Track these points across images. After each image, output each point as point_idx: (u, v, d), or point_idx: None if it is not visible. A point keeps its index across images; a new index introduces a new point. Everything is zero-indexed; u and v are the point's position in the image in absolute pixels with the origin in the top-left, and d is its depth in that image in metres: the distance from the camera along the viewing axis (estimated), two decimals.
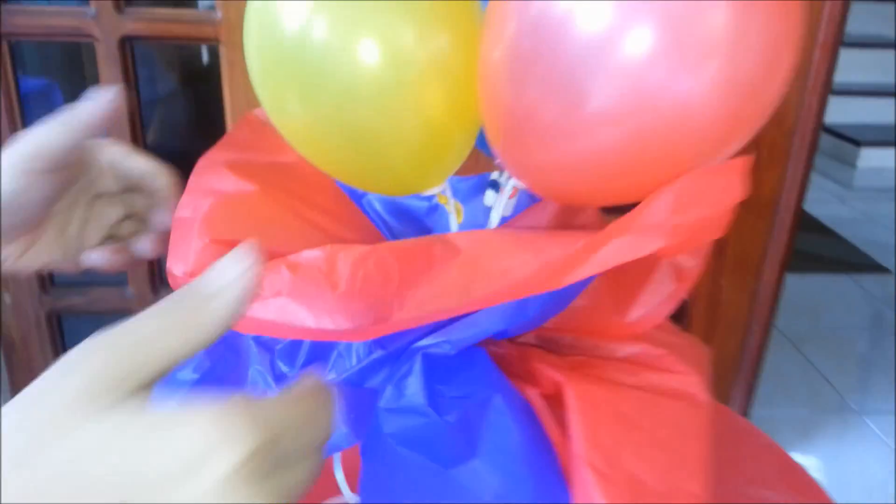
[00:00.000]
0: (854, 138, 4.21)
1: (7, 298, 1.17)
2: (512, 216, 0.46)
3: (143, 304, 1.06)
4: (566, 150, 0.35)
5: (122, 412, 0.24)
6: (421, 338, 0.38)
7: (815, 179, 4.00)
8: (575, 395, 0.36)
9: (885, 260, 2.94)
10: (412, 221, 0.46)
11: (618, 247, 0.31)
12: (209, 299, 0.25)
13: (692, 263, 0.44)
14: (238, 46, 1.07)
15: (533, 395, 0.39)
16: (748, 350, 1.47)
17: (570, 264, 0.32)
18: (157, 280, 1.17)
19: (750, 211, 1.34)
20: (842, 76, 4.71)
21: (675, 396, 0.39)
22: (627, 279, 0.44)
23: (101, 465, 0.23)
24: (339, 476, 0.46)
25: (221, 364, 0.44)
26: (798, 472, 0.66)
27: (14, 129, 1.10)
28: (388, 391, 0.39)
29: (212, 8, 1.07)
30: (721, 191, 0.33)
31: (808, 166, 1.31)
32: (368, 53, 0.34)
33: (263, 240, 0.37)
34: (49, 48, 1.39)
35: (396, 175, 0.40)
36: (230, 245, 0.35)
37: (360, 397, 0.40)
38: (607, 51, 0.31)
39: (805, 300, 2.60)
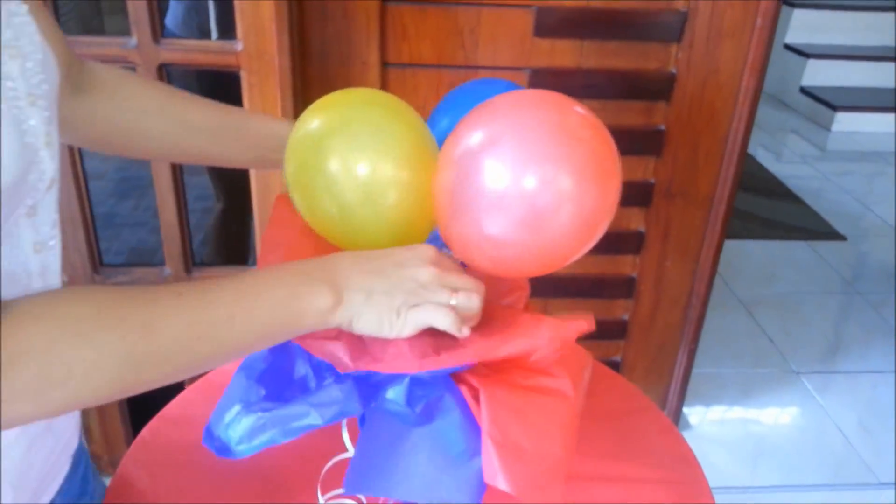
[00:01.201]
0: (830, 102, 4.37)
1: (64, 277, 1.40)
2: None
3: (178, 282, 1.30)
4: (480, 242, 0.58)
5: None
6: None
7: (791, 141, 4.20)
8: (485, 395, 0.60)
9: (843, 227, 3.16)
10: None
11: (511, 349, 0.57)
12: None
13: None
14: (255, 72, 1.28)
15: (464, 391, 0.62)
16: (689, 320, 1.72)
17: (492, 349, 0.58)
18: (190, 262, 1.41)
19: (689, 204, 1.57)
20: (822, 38, 4.85)
21: (551, 394, 0.63)
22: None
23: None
24: (345, 436, 0.70)
25: (280, 356, 0.67)
26: (680, 447, 0.89)
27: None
28: (384, 392, 0.63)
29: (233, 39, 1.27)
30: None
31: (741, 165, 1.53)
32: (360, 177, 0.58)
33: None
34: None
35: (387, 246, 0.64)
36: None
37: (366, 388, 0.64)
38: (503, 194, 0.55)
39: (762, 266, 2.84)
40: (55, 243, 0.60)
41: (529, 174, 0.55)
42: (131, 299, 0.50)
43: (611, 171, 0.57)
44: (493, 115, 0.58)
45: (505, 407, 0.60)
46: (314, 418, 0.61)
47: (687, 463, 0.86)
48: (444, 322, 0.58)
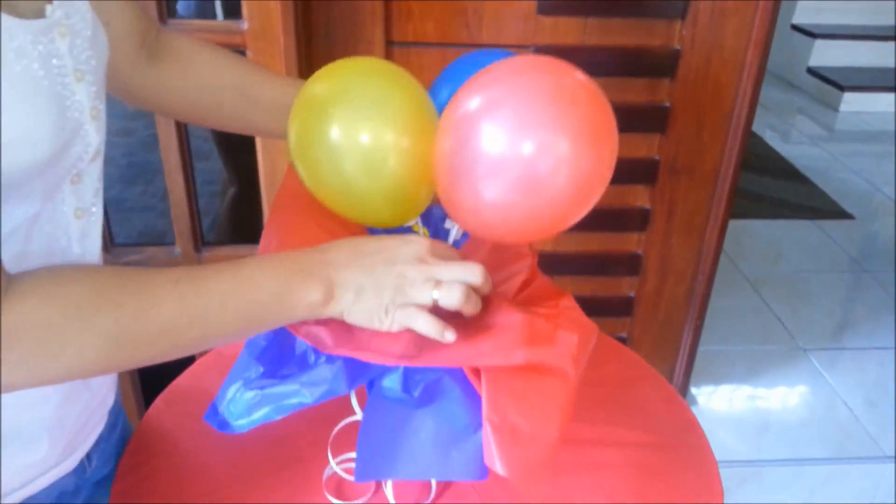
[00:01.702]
0: (838, 82, 4.35)
1: None
2: (463, 240, 0.72)
3: (187, 260, 1.33)
4: (478, 207, 0.59)
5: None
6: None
7: (798, 122, 4.18)
8: (485, 376, 0.61)
9: (851, 206, 3.16)
10: None
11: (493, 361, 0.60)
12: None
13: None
14: (261, 52, 1.29)
15: (465, 369, 0.64)
16: (695, 297, 1.73)
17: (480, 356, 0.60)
18: (199, 241, 1.43)
19: (694, 181, 1.58)
20: (829, 19, 4.81)
21: (553, 374, 0.64)
22: None
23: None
24: (353, 400, 0.72)
25: (280, 333, 0.69)
26: (684, 414, 0.90)
27: None
28: (380, 381, 0.65)
29: (239, 18, 1.28)
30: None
31: (745, 142, 1.54)
32: (361, 145, 0.59)
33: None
34: None
35: (385, 217, 0.65)
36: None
37: (355, 369, 0.66)
38: (501, 158, 0.56)
39: (769, 245, 2.85)
40: (97, 210, 0.63)
41: (526, 138, 0.56)
42: (129, 283, 0.53)
43: (607, 135, 0.58)
44: (491, 80, 0.59)
45: (505, 389, 0.62)
46: (304, 397, 0.64)
47: (690, 429, 0.88)
48: (424, 328, 0.59)
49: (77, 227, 0.60)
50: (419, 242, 0.61)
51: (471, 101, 0.58)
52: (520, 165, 0.56)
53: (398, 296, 0.59)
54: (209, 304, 0.54)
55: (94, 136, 0.58)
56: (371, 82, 0.62)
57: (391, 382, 0.66)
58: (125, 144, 3.00)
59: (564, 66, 0.59)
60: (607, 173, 0.59)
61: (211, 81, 0.76)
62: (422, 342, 0.61)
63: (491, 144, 0.56)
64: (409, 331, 0.61)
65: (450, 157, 0.59)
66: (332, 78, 0.62)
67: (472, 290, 0.60)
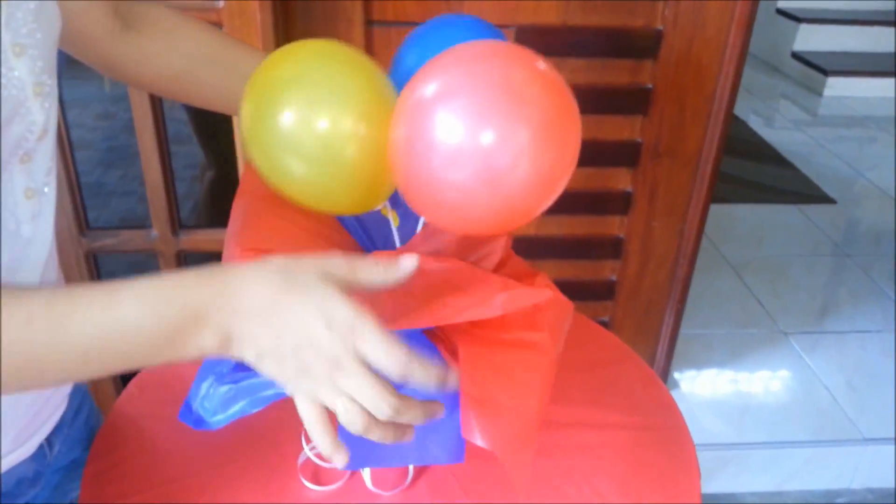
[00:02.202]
0: (822, 67, 4.36)
1: None
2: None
3: (164, 244, 1.31)
4: (437, 199, 0.57)
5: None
6: None
7: (782, 106, 4.19)
8: (463, 351, 0.60)
9: (833, 191, 3.17)
10: (370, 225, 0.70)
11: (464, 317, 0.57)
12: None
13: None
14: (237, 30, 1.27)
15: (441, 349, 0.63)
16: (676, 280, 1.73)
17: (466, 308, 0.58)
18: (176, 225, 1.40)
19: (676, 163, 1.57)
20: (814, 3, 4.81)
21: (530, 347, 0.63)
22: None
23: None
24: None
25: None
26: (662, 395, 0.90)
27: None
28: None
29: None
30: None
31: (727, 125, 1.53)
32: (317, 132, 0.56)
33: (279, 245, 0.61)
34: None
35: (345, 205, 0.63)
36: (258, 251, 0.59)
37: None
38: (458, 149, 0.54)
39: (751, 229, 2.85)
40: (49, 190, 0.60)
41: (485, 129, 0.53)
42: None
43: (569, 126, 0.56)
44: (448, 65, 0.57)
45: (482, 363, 0.61)
46: (279, 388, 0.62)
47: (667, 409, 0.87)
48: (315, 438, 0.52)
49: (27, 209, 0.57)
50: (343, 309, 0.48)
51: (426, 87, 0.56)
52: (478, 157, 0.54)
53: (300, 381, 0.50)
54: (75, 343, 0.46)
55: (38, 114, 0.55)
56: (327, 64, 0.59)
57: None
58: (105, 128, 2.97)
59: (526, 54, 0.57)
60: (570, 165, 0.58)
61: (191, 50, 0.73)
62: (398, 305, 0.59)
63: (447, 134, 0.54)
64: (376, 298, 0.59)
65: (404, 146, 0.57)
66: (286, 60, 0.59)
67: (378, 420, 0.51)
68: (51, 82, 0.56)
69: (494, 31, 0.72)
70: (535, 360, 0.63)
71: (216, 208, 1.96)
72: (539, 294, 0.61)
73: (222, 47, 0.74)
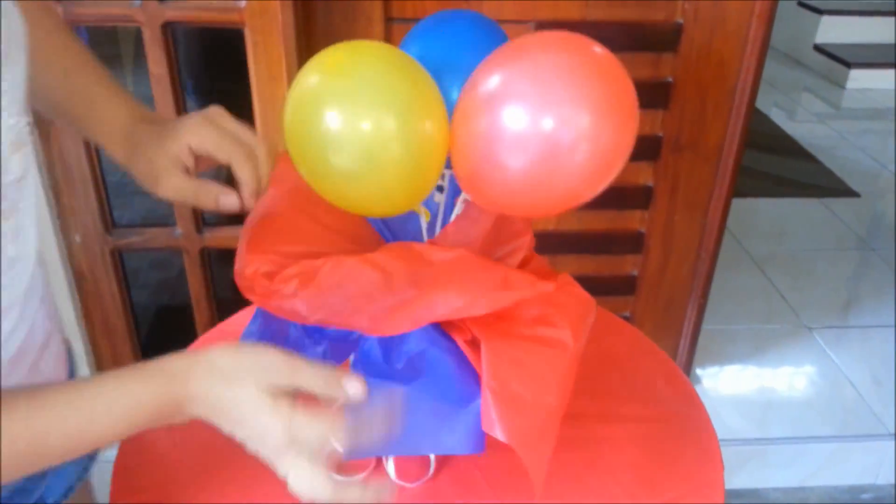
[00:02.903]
0: (844, 59, 4.31)
1: (78, 238, 1.42)
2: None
3: (189, 241, 1.33)
4: (506, 183, 0.59)
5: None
6: None
7: (805, 99, 4.15)
8: (485, 345, 0.61)
9: (856, 184, 3.13)
10: (395, 220, 0.71)
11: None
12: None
13: None
14: (259, 30, 1.28)
15: (458, 340, 0.64)
16: (699, 275, 1.72)
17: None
18: (200, 222, 1.42)
19: (698, 157, 1.56)
20: None
21: (551, 344, 0.63)
22: None
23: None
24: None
25: (271, 321, 0.68)
26: (684, 388, 0.90)
27: None
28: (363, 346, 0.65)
29: None
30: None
31: (748, 118, 1.52)
32: (365, 133, 0.57)
33: (295, 245, 0.62)
34: None
35: (390, 207, 0.64)
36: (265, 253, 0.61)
37: (343, 347, 0.66)
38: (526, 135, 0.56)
39: (774, 224, 2.83)
40: (25, 206, 0.58)
41: (548, 115, 0.55)
42: None
43: (629, 111, 0.59)
44: (511, 58, 0.58)
45: (505, 358, 0.61)
46: None
47: (691, 403, 0.87)
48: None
49: (8, 228, 0.55)
50: (280, 434, 0.52)
51: (492, 79, 0.58)
52: (542, 141, 0.56)
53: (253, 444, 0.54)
54: (54, 453, 0.51)
55: (16, 168, 0.54)
56: (371, 66, 0.59)
57: (370, 346, 0.65)
58: None
59: (585, 41, 0.59)
60: (628, 146, 0.59)
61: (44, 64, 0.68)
62: (394, 300, 0.60)
63: (518, 123, 0.56)
64: (375, 291, 0.60)
65: (475, 135, 0.59)
66: (329, 62, 0.60)
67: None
68: (24, 122, 0.55)
69: (494, 26, 0.72)
70: (557, 356, 0.63)
71: None
72: (546, 287, 0.62)
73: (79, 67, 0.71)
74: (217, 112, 0.69)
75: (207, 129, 0.67)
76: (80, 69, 0.70)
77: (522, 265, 0.73)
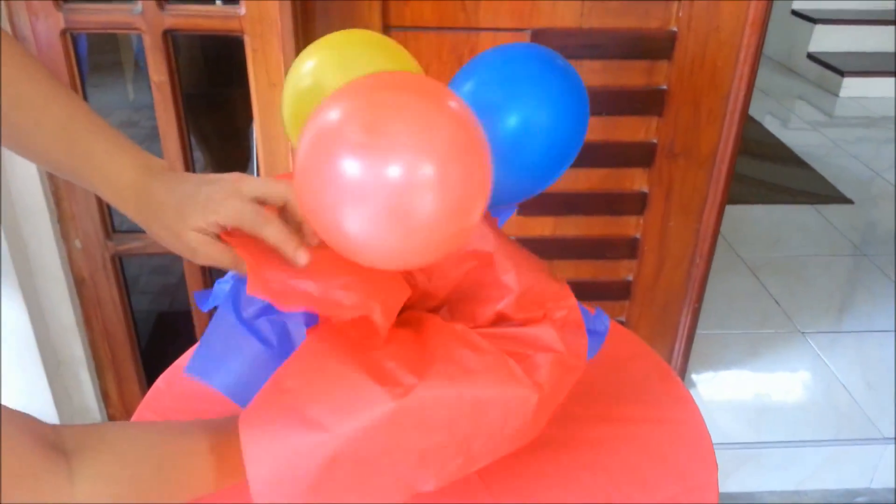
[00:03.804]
0: (838, 67, 4.34)
1: (78, 244, 1.44)
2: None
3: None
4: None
5: None
6: None
7: (798, 107, 4.17)
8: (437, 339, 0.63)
9: (850, 191, 3.15)
10: None
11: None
12: None
13: None
14: (258, 36, 1.30)
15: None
16: (693, 280, 1.74)
17: None
18: None
19: (692, 163, 1.58)
20: (829, 4, 4.79)
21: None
22: None
23: None
24: None
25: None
26: (678, 390, 0.91)
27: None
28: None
29: (236, 3, 1.29)
30: None
31: (742, 125, 1.54)
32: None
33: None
34: None
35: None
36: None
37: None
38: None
39: (768, 230, 2.85)
40: None
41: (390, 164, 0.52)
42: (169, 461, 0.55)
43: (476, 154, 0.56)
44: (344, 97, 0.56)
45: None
46: None
47: (683, 404, 0.89)
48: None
49: None
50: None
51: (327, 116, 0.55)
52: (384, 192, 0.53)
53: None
54: None
55: None
56: (371, 54, 0.60)
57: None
58: (129, 136, 3.01)
59: (432, 84, 0.58)
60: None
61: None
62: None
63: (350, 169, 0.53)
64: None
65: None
66: (327, 49, 0.61)
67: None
68: None
69: (556, 56, 0.73)
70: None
71: None
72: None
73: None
74: (240, 180, 0.64)
75: (234, 205, 0.62)
76: (75, 122, 0.65)
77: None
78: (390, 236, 0.54)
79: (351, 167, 0.52)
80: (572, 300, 0.72)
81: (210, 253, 0.64)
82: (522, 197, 0.79)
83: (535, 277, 0.72)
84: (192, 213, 0.62)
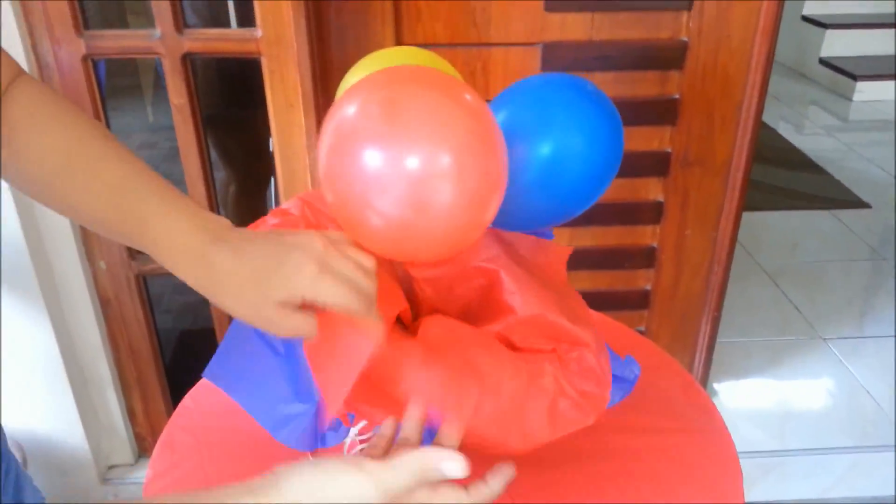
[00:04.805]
0: (850, 71, 4.32)
1: (103, 265, 1.46)
2: None
3: None
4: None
5: None
6: None
7: (812, 112, 4.16)
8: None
9: (866, 195, 3.14)
10: None
11: None
12: None
13: None
14: (275, 58, 1.32)
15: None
16: (712, 288, 1.73)
17: None
18: None
19: (707, 171, 1.59)
20: (839, 8, 4.79)
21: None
22: None
23: None
24: None
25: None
26: (701, 400, 0.91)
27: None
28: None
29: (253, 26, 1.31)
30: None
31: (756, 132, 1.54)
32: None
33: None
34: None
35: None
36: None
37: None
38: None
39: (785, 236, 2.84)
40: None
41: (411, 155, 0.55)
42: None
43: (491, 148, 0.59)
44: (364, 90, 0.59)
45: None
46: None
47: (708, 414, 0.89)
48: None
49: None
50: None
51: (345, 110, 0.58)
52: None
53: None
54: None
55: None
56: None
57: None
58: (148, 157, 3.06)
59: (448, 79, 0.60)
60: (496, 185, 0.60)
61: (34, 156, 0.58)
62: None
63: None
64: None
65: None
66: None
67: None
68: None
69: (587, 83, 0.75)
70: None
71: (239, 217, 2.01)
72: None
73: (54, 172, 0.58)
74: (326, 246, 0.57)
75: (324, 282, 0.55)
76: (127, 183, 0.58)
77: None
78: (413, 223, 0.57)
79: (372, 157, 0.56)
80: (591, 348, 0.72)
81: (296, 326, 0.56)
82: (559, 221, 0.80)
83: (546, 308, 0.71)
84: (275, 286, 0.55)
